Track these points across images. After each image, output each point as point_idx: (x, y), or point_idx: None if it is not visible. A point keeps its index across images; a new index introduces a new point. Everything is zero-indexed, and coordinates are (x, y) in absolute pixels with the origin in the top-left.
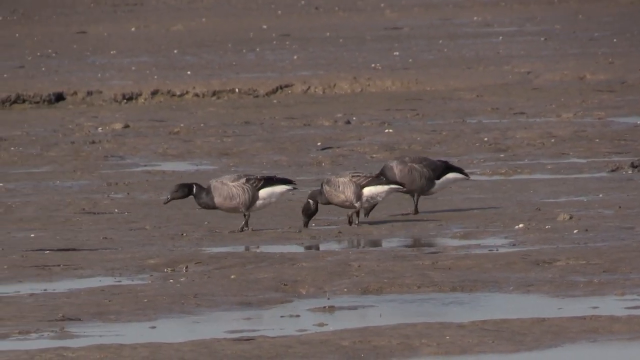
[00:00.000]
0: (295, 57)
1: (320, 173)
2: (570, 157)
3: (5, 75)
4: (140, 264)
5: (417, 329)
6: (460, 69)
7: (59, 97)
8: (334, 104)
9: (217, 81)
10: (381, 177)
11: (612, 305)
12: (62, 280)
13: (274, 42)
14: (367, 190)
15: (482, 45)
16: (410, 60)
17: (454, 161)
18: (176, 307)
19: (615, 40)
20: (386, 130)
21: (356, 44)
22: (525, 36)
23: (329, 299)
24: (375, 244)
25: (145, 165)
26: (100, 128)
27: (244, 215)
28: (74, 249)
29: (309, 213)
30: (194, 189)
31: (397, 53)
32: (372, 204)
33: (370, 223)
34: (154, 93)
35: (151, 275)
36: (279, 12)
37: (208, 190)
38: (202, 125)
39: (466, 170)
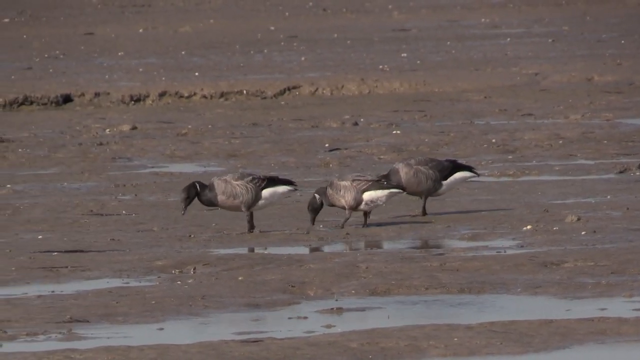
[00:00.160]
0: (302, 58)
1: (328, 174)
2: (578, 159)
3: (12, 77)
4: (148, 265)
5: (425, 330)
6: (468, 70)
7: (67, 99)
8: (342, 105)
9: (225, 83)
10: (382, 181)
11: (620, 307)
12: (70, 281)
13: (282, 43)
14: (367, 195)
15: (490, 47)
16: (418, 61)
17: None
18: (184, 309)
19: (623, 41)
20: (394, 132)
21: (364, 46)
22: (533, 38)
23: (336, 300)
24: (383, 245)
25: (152, 167)
26: (107, 130)
27: (246, 215)
28: (81, 251)
29: (314, 207)
30: (197, 186)
31: (404, 54)
32: (373, 208)
33: (378, 225)
34: (162, 94)
35: (159, 277)
36: (287, 13)
37: (211, 187)
38: (209, 126)
39: None
